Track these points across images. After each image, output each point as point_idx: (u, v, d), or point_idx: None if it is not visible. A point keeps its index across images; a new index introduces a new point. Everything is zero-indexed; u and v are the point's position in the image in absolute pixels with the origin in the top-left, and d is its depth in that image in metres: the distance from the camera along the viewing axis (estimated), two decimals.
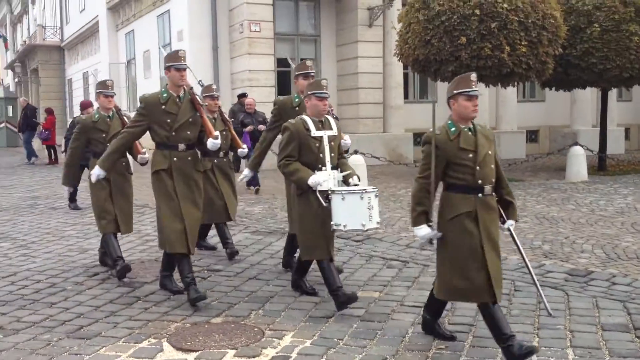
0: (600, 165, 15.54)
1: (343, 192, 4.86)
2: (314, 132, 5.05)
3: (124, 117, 6.39)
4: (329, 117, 5.26)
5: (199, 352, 4.27)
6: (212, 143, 5.18)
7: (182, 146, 5.18)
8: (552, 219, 9.00)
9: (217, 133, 5.25)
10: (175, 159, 5.15)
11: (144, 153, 5.83)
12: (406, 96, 19.45)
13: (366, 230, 5.06)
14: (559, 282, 5.78)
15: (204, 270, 6.45)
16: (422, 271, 6.26)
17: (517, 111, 20.24)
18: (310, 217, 5.01)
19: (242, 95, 13.06)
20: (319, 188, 4.95)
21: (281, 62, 18.18)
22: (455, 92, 4.12)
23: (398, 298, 5.44)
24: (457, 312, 4.98)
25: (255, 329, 4.71)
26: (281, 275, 6.22)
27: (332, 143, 5.15)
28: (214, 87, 7.10)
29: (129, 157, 6.12)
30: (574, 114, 21.14)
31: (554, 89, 15.90)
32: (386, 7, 17.54)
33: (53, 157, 19.75)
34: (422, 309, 4.62)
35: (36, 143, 21.34)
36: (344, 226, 4.85)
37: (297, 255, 5.72)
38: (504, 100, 19.70)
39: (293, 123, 5.10)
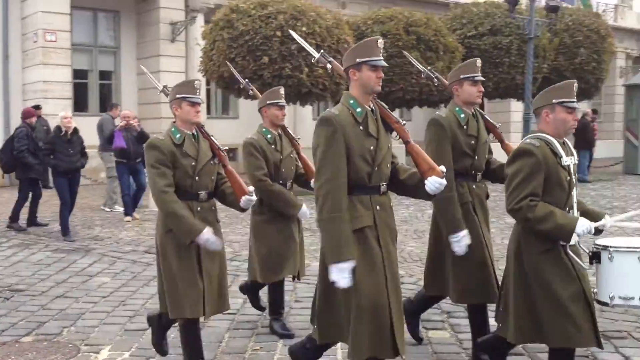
0: None
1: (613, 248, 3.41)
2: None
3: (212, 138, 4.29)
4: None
5: None
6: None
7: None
8: None
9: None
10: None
11: (252, 193, 4.11)
12: (209, 112, 19.69)
13: None
14: None
15: (5, 291, 6.18)
16: (233, 281, 6.55)
17: (312, 128, 21.26)
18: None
19: (37, 107, 12.44)
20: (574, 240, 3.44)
21: (78, 74, 17.55)
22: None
23: None
24: None
25: (70, 345, 4.68)
26: (90, 292, 6.16)
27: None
28: (282, 92, 5.04)
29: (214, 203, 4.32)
30: None
31: None
32: (189, 23, 17.70)
33: None
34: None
35: None
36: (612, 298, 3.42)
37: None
38: (302, 119, 20.70)
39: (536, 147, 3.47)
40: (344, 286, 3.18)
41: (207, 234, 3.81)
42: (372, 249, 3.33)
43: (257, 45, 13.25)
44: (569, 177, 3.46)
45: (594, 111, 18.77)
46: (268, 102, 4.88)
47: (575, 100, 3.50)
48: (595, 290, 3.46)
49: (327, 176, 3.22)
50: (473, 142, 4.19)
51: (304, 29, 13.34)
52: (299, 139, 5.12)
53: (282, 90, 4.95)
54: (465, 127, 4.18)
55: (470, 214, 4.16)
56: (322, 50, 3.82)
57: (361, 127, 3.33)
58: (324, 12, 14.30)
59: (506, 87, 17.75)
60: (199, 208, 4.00)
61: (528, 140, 3.50)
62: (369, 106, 3.40)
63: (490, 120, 4.39)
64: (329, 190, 3.21)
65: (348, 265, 3.18)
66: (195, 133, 4.05)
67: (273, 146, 4.85)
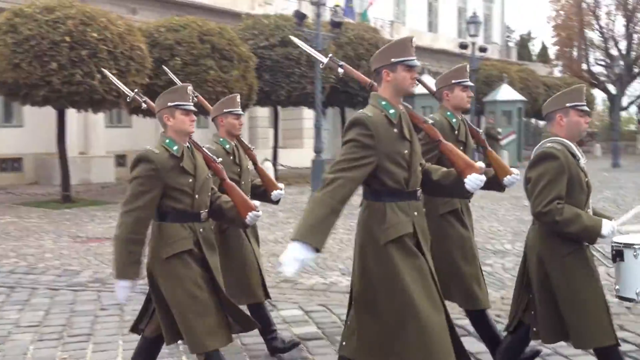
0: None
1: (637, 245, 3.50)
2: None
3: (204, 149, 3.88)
4: None
5: None
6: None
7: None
8: None
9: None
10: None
11: (258, 208, 3.77)
12: None
13: None
14: None
15: None
16: (31, 294, 6.32)
17: (105, 136, 20.65)
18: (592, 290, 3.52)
19: None
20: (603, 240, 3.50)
21: None
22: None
23: (13, 320, 5.47)
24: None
25: None
26: None
27: None
28: (238, 99, 4.63)
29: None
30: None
31: (141, 115, 16.84)
32: None
33: None
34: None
35: None
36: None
37: None
38: (94, 125, 19.95)
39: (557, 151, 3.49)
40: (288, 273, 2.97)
41: (125, 288, 3.43)
42: (418, 258, 3.16)
43: (45, 51, 12.63)
44: (586, 179, 3.54)
45: None
46: (225, 110, 4.51)
47: (585, 104, 3.59)
48: (617, 287, 3.55)
49: (342, 167, 3.05)
50: (462, 147, 4.07)
51: (94, 34, 12.97)
52: (253, 148, 4.79)
53: (238, 98, 4.61)
54: (456, 132, 4.15)
55: (461, 220, 4.17)
56: (330, 55, 3.64)
57: (395, 130, 3.16)
58: (114, 18, 14.01)
59: (298, 95, 18.68)
60: (201, 229, 3.56)
61: (549, 144, 3.51)
62: (400, 108, 3.25)
63: (474, 127, 4.30)
64: (338, 178, 3.02)
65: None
66: (189, 145, 3.62)
67: (232, 157, 4.45)
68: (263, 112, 24.72)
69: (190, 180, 3.51)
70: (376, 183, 3.15)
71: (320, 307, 5.66)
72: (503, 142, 24.05)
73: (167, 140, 3.52)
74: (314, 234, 2.96)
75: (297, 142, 27.07)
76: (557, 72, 45.22)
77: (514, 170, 3.67)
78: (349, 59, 20.39)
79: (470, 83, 4.24)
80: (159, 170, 3.42)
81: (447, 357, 3.03)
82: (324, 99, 16.42)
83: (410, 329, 3.03)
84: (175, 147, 3.50)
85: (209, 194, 3.68)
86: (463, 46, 21.78)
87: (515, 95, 26.36)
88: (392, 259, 3.10)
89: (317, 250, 2.97)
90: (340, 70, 3.48)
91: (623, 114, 43.60)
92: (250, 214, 3.67)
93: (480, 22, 25.45)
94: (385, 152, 3.10)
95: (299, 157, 23.49)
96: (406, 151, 3.18)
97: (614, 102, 34.99)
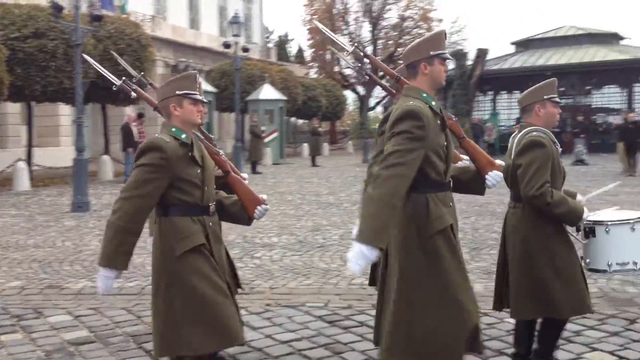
0: None
1: (609, 222, 3.87)
2: None
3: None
4: None
5: None
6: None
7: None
8: None
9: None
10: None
11: (266, 201, 3.62)
12: None
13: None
14: None
15: None
16: None
17: None
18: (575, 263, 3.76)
19: None
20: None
21: None
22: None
23: None
24: None
25: None
26: None
27: None
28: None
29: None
30: None
31: None
32: None
33: None
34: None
35: None
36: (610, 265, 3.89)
37: None
38: None
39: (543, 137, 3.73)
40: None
41: (108, 279, 3.21)
42: (459, 248, 3.26)
43: None
44: (562, 164, 3.81)
45: (140, 115, 19.94)
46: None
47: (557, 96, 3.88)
48: (587, 261, 3.92)
49: (396, 161, 3.02)
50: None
51: None
52: (214, 138, 4.35)
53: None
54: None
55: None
56: (355, 44, 3.51)
57: (438, 121, 3.20)
58: None
59: (54, 91, 17.59)
60: (210, 223, 3.37)
61: (535, 133, 3.71)
62: None
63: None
64: (394, 175, 3.00)
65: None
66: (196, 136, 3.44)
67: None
68: (14, 108, 22.89)
69: (199, 171, 3.32)
70: (419, 175, 3.13)
71: (90, 310, 5.53)
72: (266, 140, 24.98)
73: (174, 129, 3.30)
74: (380, 236, 2.99)
75: (53, 140, 25.43)
76: (313, 74, 47.83)
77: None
78: (110, 54, 19.63)
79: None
80: (170, 159, 3.19)
81: (461, 346, 3.17)
82: (84, 95, 15.67)
83: (452, 319, 3.12)
84: (183, 136, 3.29)
85: (214, 187, 3.51)
86: (226, 45, 22.20)
87: (277, 95, 27.53)
88: (439, 250, 3.16)
89: (382, 249, 3.03)
90: (366, 60, 3.49)
91: (371, 113, 47.52)
92: (259, 207, 3.56)
93: (242, 22, 26.13)
94: (431, 144, 3.13)
95: (56, 156, 22.19)
96: (445, 143, 3.26)
97: (363, 102, 37.98)
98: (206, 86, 24.01)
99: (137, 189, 3.17)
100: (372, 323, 5.01)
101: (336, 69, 48.09)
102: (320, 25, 4.33)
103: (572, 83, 31.14)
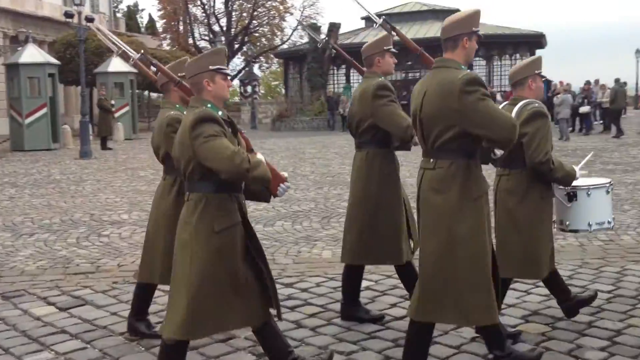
0: None
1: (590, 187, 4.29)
2: None
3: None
4: None
5: None
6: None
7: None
8: None
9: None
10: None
11: (287, 178, 3.54)
12: None
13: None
14: None
15: None
16: None
17: None
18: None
19: None
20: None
21: None
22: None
23: None
24: None
25: None
26: None
27: None
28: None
29: None
30: None
31: None
32: None
33: None
34: None
35: None
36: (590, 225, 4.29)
37: None
38: None
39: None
40: None
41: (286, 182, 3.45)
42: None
43: None
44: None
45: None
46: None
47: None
48: (567, 222, 4.28)
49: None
50: None
51: None
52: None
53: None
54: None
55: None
56: (383, 17, 3.96)
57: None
58: None
59: None
60: (243, 201, 3.37)
61: (537, 104, 3.99)
62: None
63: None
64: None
65: None
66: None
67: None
68: None
69: (236, 147, 3.21)
70: (471, 141, 3.30)
71: None
72: (116, 115, 24.03)
73: (210, 105, 3.25)
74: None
75: None
76: (165, 45, 46.51)
77: None
78: None
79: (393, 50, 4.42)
80: (224, 132, 3.17)
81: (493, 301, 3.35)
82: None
83: (480, 274, 3.29)
84: (220, 112, 3.25)
85: None
86: (69, 15, 20.93)
87: (127, 67, 26.43)
88: (481, 211, 3.33)
89: None
90: (393, 33, 3.84)
91: None
92: (282, 185, 3.46)
93: None
94: None
95: None
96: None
97: None
98: (49, 58, 22.67)
99: (226, 149, 3.08)
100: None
101: (190, 40, 47.06)
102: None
103: (418, 58, 32.48)
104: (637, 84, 38.74)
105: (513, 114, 3.86)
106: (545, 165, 3.89)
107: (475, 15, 3.44)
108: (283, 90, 38.06)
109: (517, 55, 33.16)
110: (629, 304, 4.67)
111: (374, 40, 4.38)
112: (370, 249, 4.29)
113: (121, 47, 4.09)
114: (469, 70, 3.35)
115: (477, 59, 34.37)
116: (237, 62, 45.11)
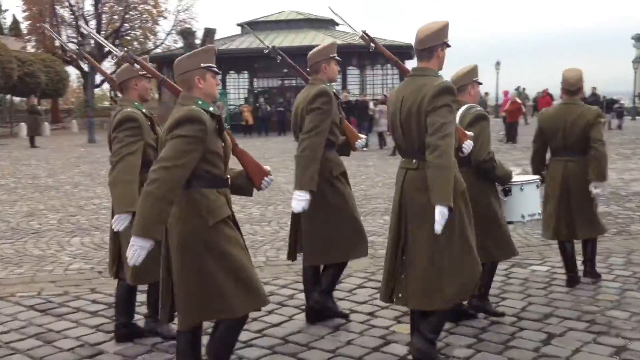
0: None
1: (523, 182, 4.75)
2: None
3: None
4: None
5: None
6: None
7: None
8: None
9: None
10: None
11: (270, 172, 3.69)
12: None
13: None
14: None
15: None
16: None
17: None
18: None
19: None
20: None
21: None
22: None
23: None
24: None
25: None
26: None
27: None
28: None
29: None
30: None
31: None
32: None
33: None
34: None
35: None
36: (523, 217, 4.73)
37: None
38: None
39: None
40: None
41: (144, 249, 3.06)
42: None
43: None
44: None
45: None
46: (140, 73, 4.17)
47: None
48: (503, 215, 4.57)
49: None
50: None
51: None
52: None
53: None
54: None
55: (347, 180, 4.68)
56: (363, 29, 4.11)
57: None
58: None
59: None
60: (229, 196, 3.45)
61: (478, 108, 4.43)
62: None
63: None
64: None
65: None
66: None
67: (149, 123, 4.24)
68: None
69: (222, 144, 3.36)
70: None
71: None
72: None
73: (200, 102, 3.30)
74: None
75: None
76: (30, 48, 44.06)
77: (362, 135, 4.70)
78: None
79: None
80: (207, 132, 3.19)
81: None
82: None
83: (468, 257, 3.69)
84: (211, 109, 3.31)
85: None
86: None
87: None
88: (465, 206, 3.75)
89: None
90: (371, 45, 3.99)
91: (97, 91, 45.32)
92: (265, 178, 3.61)
93: None
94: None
95: None
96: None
97: (87, 79, 35.98)
98: None
99: (176, 159, 3.11)
100: (89, 308, 4.87)
101: (57, 43, 44.86)
102: (331, 8, 4.83)
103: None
104: (497, 94, 41.29)
105: (457, 117, 4.17)
106: (488, 163, 4.28)
107: (445, 28, 3.76)
108: (157, 95, 37.03)
109: (389, 66, 34.28)
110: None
111: (321, 48, 4.63)
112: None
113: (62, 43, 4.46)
114: (446, 80, 3.72)
115: (350, 67, 35.31)
116: (107, 65, 43.40)
